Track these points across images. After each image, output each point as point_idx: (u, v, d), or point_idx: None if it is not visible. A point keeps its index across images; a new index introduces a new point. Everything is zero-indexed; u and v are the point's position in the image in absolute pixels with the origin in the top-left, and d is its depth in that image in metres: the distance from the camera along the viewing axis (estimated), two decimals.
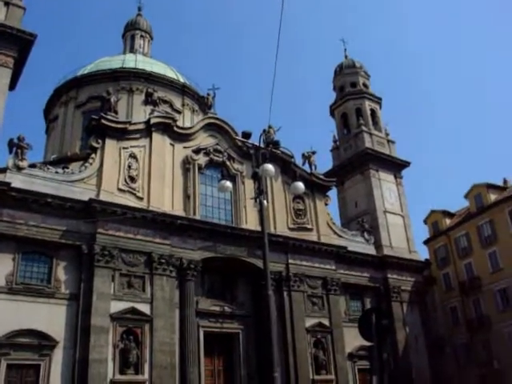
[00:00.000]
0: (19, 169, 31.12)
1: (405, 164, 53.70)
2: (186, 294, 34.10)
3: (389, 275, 45.75)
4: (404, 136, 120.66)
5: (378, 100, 57.20)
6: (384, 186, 50.60)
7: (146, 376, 30.61)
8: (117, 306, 31.02)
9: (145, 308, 32.01)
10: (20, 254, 30.10)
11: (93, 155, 34.43)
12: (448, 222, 58.92)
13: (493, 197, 53.22)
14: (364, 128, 52.80)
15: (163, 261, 33.37)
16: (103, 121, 34.70)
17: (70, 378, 28.69)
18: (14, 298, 28.89)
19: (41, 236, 30.30)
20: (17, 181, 30.26)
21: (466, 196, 55.93)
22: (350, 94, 56.65)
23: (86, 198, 32.01)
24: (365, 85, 57.89)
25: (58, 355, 29.05)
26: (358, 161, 51.22)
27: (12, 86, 35.04)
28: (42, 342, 28.67)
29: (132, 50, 57.44)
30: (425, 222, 61.39)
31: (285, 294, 38.22)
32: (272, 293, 16.32)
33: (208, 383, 34.65)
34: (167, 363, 31.55)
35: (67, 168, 34.51)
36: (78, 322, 29.85)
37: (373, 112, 55.80)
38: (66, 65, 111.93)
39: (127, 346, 30.49)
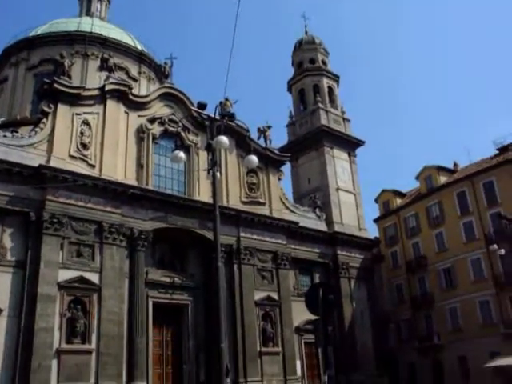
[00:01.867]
0: None
1: (359, 143, 54.38)
2: (135, 264, 33.91)
3: (338, 251, 46.59)
4: (360, 115, 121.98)
5: (335, 78, 57.48)
6: (338, 163, 51.20)
7: (93, 345, 30.42)
8: (65, 275, 30.57)
9: (94, 277, 31.67)
10: None
11: (44, 120, 33.48)
12: (398, 201, 60.16)
13: (443, 179, 54.56)
14: (321, 105, 53.07)
15: (114, 230, 33.00)
16: (56, 85, 33.70)
17: (14, 347, 28.15)
18: None
19: None
20: None
21: (417, 177, 57.13)
22: (309, 70, 56.71)
23: (35, 163, 31.17)
24: (323, 62, 58.02)
25: (2, 323, 28.44)
26: (313, 137, 51.56)
27: None
28: None
29: (88, 13, 55.58)
30: (376, 200, 62.50)
31: (235, 267, 38.48)
32: (222, 265, 16.42)
33: (156, 353, 34.75)
34: (115, 333, 31.41)
35: (16, 132, 33.47)
36: (24, 289, 29.29)
37: (330, 89, 56.08)
38: (18, 25, 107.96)
39: (74, 315, 30.18)
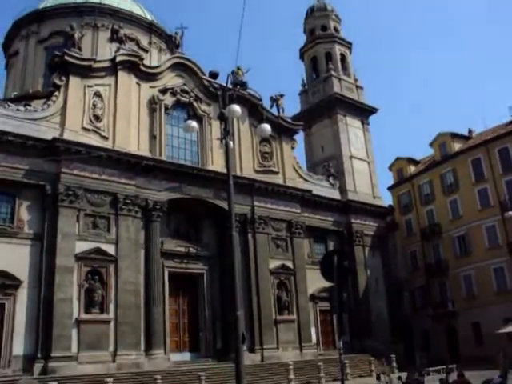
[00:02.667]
0: None
1: (372, 110, 53.99)
2: (151, 235, 34.25)
3: (352, 220, 46.66)
4: (373, 82, 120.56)
5: (348, 45, 56.74)
6: (351, 131, 50.94)
7: (111, 315, 31.01)
8: (81, 246, 31.01)
9: (110, 248, 32.07)
10: None
11: (56, 93, 33.52)
12: (412, 169, 59.74)
13: (457, 146, 53.98)
14: (333, 73, 52.54)
15: (128, 201, 33.26)
16: (67, 57, 33.61)
17: (35, 317, 28.88)
18: None
19: (2, 175, 29.68)
20: None
21: (431, 144, 56.57)
22: (321, 37, 56.01)
23: (49, 136, 31.34)
24: (335, 29, 57.23)
25: (23, 295, 29.09)
26: (326, 105, 51.23)
27: None
28: (5, 282, 28.59)
29: None
30: (390, 168, 62.12)
31: (249, 236, 38.73)
32: (237, 234, 16.48)
33: (172, 322, 35.32)
34: (132, 303, 31.93)
35: (29, 105, 33.60)
36: (43, 261, 29.84)
37: (342, 57, 55.43)
38: None
39: (92, 286, 30.72)
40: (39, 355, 28.02)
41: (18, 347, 28.15)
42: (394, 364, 38.72)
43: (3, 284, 28.53)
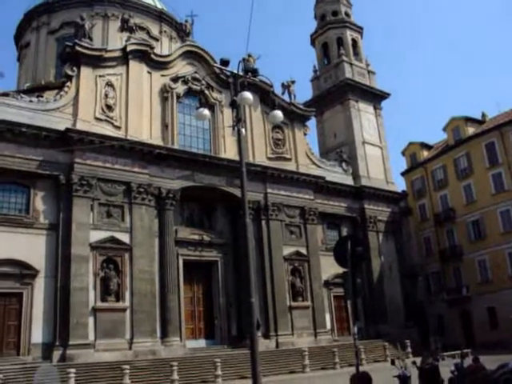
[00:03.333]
0: None
1: (384, 95, 53.67)
2: (165, 223, 34.45)
3: (365, 205, 46.59)
4: (385, 67, 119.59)
5: (359, 29, 56.27)
6: (363, 116, 50.70)
7: (127, 303, 31.32)
8: (96, 236, 31.29)
9: (124, 237, 32.33)
10: None
11: (68, 83, 33.65)
12: (425, 154, 59.37)
13: (470, 130, 53.47)
14: (345, 58, 52.22)
15: (142, 190, 33.43)
16: (78, 48, 33.71)
17: (52, 306, 29.31)
18: None
19: (16, 166, 29.95)
20: None
21: (445, 129, 56.11)
22: (331, 22, 55.61)
23: (62, 127, 31.53)
24: (346, 14, 56.75)
25: (40, 284, 29.51)
26: (338, 91, 50.99)
27: None
28: (23, 271, 29.03)
29: None
30: (403, 153, 61.79)
31: (263, 222, 38.83)
32: (250, 221, 16.55)
33: (187, 310, 35.60)
34: (147, 291, 32.21)
35: (42, 97, 33.73)
36: (59, 251, 30.17)
37: (354, 42, 55.03)
38: None
39: (108, 275, 31.04)
40: (57, 343, 28.43)
41: (37, 335, 28.65)
42: (409, 349, 38.78)
43: (21, 273, 28.96)
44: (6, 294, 28.58)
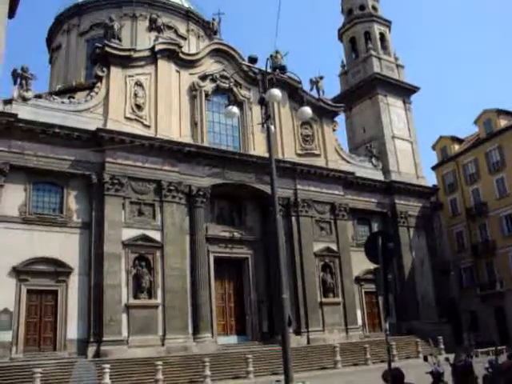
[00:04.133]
0: (25, 100, 31.05)
1: (414, 89, 53.09)
2: (195, 221, 34.73)
3: (396, 200, 46.21)
4: (414, 60, 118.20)
5: (387, 23, 55.75)
6: (392, 111, 50.25)
7: (159, 300, 31.71)
8: (128, 234, 31.74)
9: (155, 235, 32.71)
10: (31, 185, 30.61)
11: (98, 84, 34.18)
12: (457, 147, 58.58)
13: (503, 123, 52.53)
14: (373, 52, 51.81)
15: (172, 188, 33.75)
16: (107, 48, 34.20)
17: (86, 303, 29.92)
18: (29, 227, 29.66)
19: (50, 166, 30.61)
20: (23, 112, 30.25)
21: (476, 122, 55.28)
22: (359, 17, 55.22)
23: (93, 127, 32.04)
24: (374, 7, 56.26)
25: (74, 281, 30.16)
26: (367, 86, 50.65)
27: (11, 14, 34.33)
28: (57, 269, 29.75)
29: None
30: (433, 147, 61.08)
31: (293, 219, 38.86)
32: (280, 217, 16.55)
33: (219, 306, 35.84)
34: (179, 287, 32.55)
35: (73, 98, 34.43)
36: (91, 249, 30.75)
37: (382, 36, 54.54)
38: None
39: (140, 272, 31.44)
40: (92, 339, 29.00)
41: (72, 331, 29.31)
42: (441, 345, 38.37)
43: (56, 271, 29.66)
44: (43, 292, 29.37)
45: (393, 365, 11.27)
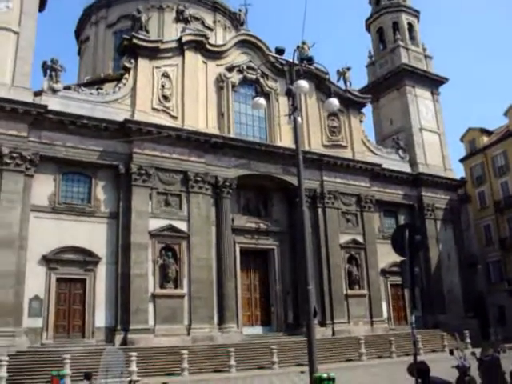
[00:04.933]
0: (54, 91, 31.48)
1: (442, 80, 52.38)
2: (221, 211, 34.90)
3: (423, 193, 45.79)
4: (442, 51, 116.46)
5: (415, 13, 55.00)
6: (420, 102, 49.70)
7: (185, 290, 32.01)
8: (155, 224, 32.05)
9: (182, 225, 32.97)
10: (60, 175, 31.10)
11: (126, 75, 34.45)
12: (485, 140, 57.69)
13: None
14: (400, 43, 51.21)
15: (199, 179, 33.94)
16: (135, 40, 34.42)
17: (114, 292, 30.38)
18: (58, 217, 30.19)
19: (79, 157, 31.03)
20: (53, 103, 30.68)
21: (506, 114, 54.35)
22: (387, 7, 54.58)
23: (121, 118, 32.35)
24: None
25: (102, 270, 30.63)
26: (394, 77, 50.14)
27: (41, 6, 34.78)
28: (86, 258, 30.26)
29: None
30: (461, 139, 60.26)
31: (319, 210, 38.82)
32: (306, 209, 16.57)
33: (244, 297, 36.02)
34: (205, 278, 32.81)
35: (101, 89, 34.74)
36: (119, 239, 31.15)
37: (410, 26, 53.84)
38: None
39: (166, 262, 31.77)
40: (119, 327, 29.48)
41: (100, 320, 29.84)
42: (468, 340, 37.97)
43: (84, 261, 30.17)
44: (71, 280, 29.92)
45: (418, 358, 11.25)
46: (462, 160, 59.22)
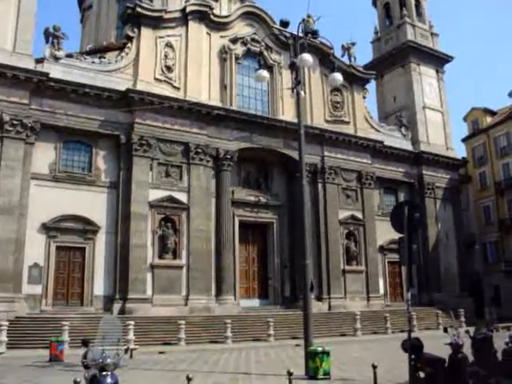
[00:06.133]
0: (56, 59, 31.23)
1: (448, 58, 51.97)
2: (222, 184, 34.94)
3: (424, 171, 45.79)
4: (448, 29, 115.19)
5: None
6: (424, 80, 49.37)
7: (184, 261, 32.22)
8: (155, 194, 32.12)
9: (182, 196, 33.04)
10: (61, 144, 31.06)
11: (129, 44, 34.12)
12: (489, 120, 57.36)
13: None
14: (407, 19, 50.62)
15: (200, 151, 33.88)
16: (138, 9, 33.98)
17: (113, 261, 30.62)
18: (58, 185, 30.27)
19: (80, 126, 30.93)
20: (55, 71, 30.46)
21: (511, 94, 53.98)
22: None
23: (123, 87, 32.15)
24: None
25: (101, 239, 30.82)
26: (399, 54, 49.73)
27: None
28: (85, 227, 30.44)
29: None
30: (464, 119, 59.94)
31: (319, 186, 38.86)
32: (307, 184, 16.62)
33: (242, 269, 36.29)
34: (203, 249, 32.99)
35: (104, 58, 34.44)
36: (119, 209, 31.26)
37: (417, 2, 53.17)
38: None
39: (165, 233, 31.93)
40: (117, 296, 29.79)
41: (99, 288, 30.17)
42: (462, 318, 38.31)
43: (84, 229, 30.35)
44: (71, 248, 30.16)
45: (412, 335, 11.37)
46: (464, 140, 58.99)
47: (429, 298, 42.63)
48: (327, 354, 15.12)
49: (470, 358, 12.11)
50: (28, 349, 23.57)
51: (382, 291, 40.81)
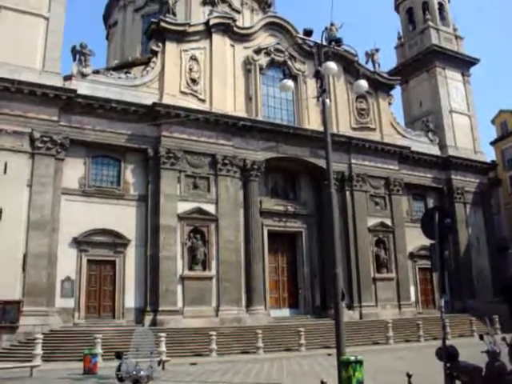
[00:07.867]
0: (84, 75, 31.76)
1: (473, 61, 51.36)
2: (249, 194, 34.99)
3: (453, 176, 45.22)
4: (473, 31, 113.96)
5: None
6: (450, 84, 48.87)
7: (214, 272, 32.30)
8: (183, 207, 32.31)
9: (210, 208, 33.17)
10: (90, 159, 31.53)
11: (154, 59, 34.55)
12: None
13: None
14: (431, 23, 50.26)
15: (227, 162, 34.04)
16: (162, 23, 34.41)
17: (143, 274, 30.87)
18: (88, 199, 30.68)
19: (108, 140, 31.36)
20: (82, 87, 30.96)
21: None
22: None
23: (149, 102, 32.51)
24: None
25: (131, 252, 31.14)
26: (424, 58, 49.34)
27: None
28: (115, 241, 30.78)
29: None
30: (493, 122, 59.15)
31: (347, 193, 38.65)
32: (334, 192, 16.54)
33: (272, 279, 36.23)
34: (233, 260, 33.03)
35: (129, 73, 35.02)
36: (148, 221, 31.52)
37: (440, 6, 52.73)
38: None
39: (194, 244, 32.05)
40: (148, 308, 29.97)
41: (130, 301, 30.42)
42: (497, 325, 37.55)
43: (114, 243, 30.69)
44: (102, 262, 30.53)
45: (447, 343, 11.20)
46: (492, 143, 58.15)
47: (461, 305, 41.91)
48: (360, 363, 14.93)
49: (508, 366, 11.87)
50: (62, 361, 23.89)
51: (413, 298, 40.31)
